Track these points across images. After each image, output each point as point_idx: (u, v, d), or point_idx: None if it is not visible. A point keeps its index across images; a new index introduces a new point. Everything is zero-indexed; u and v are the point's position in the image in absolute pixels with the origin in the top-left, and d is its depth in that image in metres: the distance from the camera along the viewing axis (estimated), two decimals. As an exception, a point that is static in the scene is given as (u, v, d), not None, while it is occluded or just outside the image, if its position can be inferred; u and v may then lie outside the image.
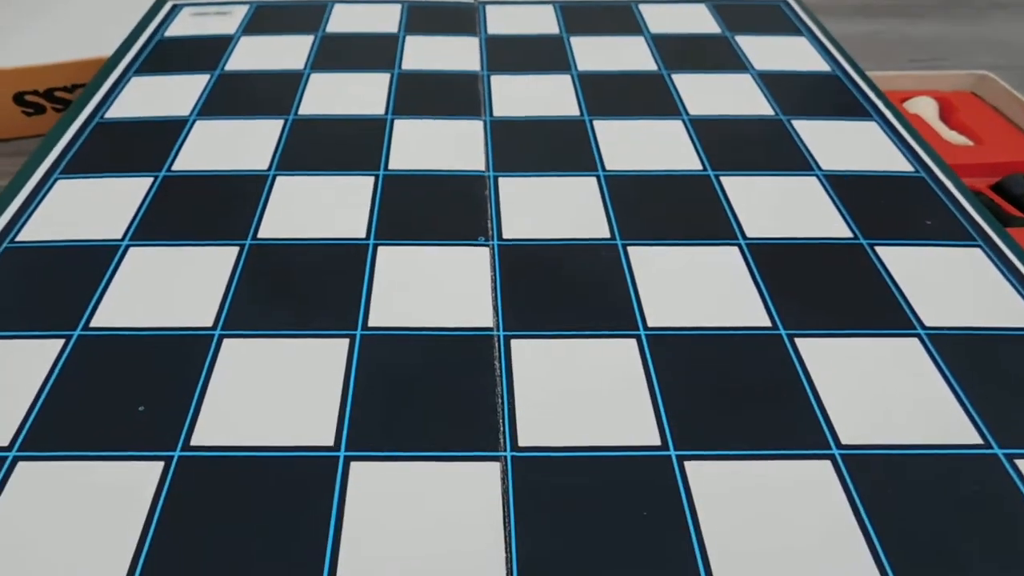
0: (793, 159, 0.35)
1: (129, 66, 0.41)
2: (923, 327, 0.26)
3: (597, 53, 0.43)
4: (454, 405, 0.23)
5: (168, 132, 0.36)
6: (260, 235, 0.30)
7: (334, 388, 0.24)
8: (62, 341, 0.25)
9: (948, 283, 0.28)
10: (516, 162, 0.34)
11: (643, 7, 0.49)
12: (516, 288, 0.27)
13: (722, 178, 0.33)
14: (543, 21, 0.47)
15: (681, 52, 0.43)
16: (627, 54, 0.43)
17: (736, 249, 0.29)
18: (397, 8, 0.48)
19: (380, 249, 0.29)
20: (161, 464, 0.21)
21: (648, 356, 0.25)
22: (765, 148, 0.35)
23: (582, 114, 0.38)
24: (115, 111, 0.37)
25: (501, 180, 0.33)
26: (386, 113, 0.37)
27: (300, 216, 0.31)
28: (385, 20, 0.46)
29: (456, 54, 0.43)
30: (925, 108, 0.44)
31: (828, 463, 0.22)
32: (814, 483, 0.21)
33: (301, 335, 0.25)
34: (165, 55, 0.42)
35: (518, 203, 0.32)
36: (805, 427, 0.23)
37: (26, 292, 0.27)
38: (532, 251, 0.29)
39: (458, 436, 0.22)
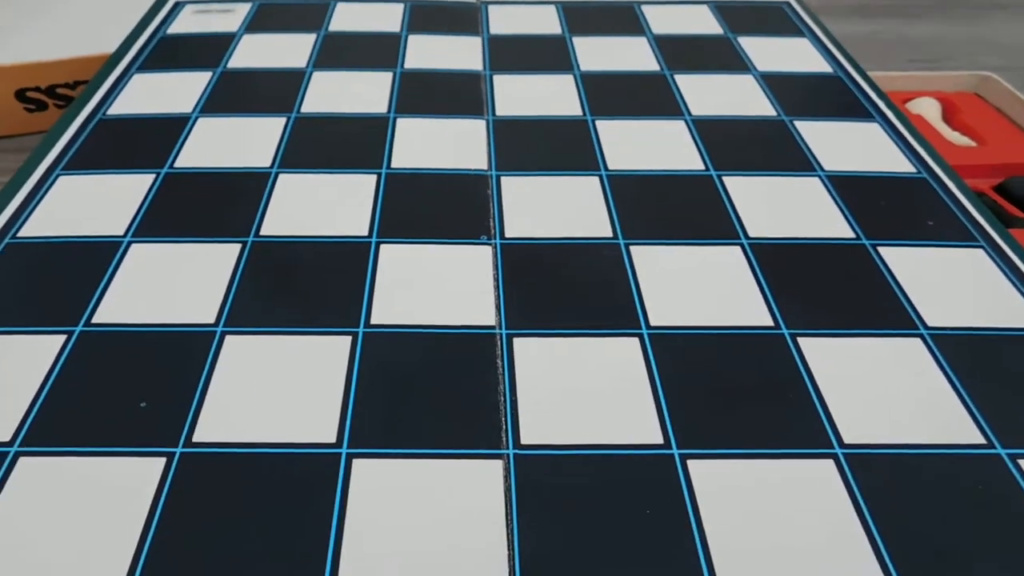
0: (795, 160, 0.35)
1: (132, 63, 0.41)
2: (925, 327, 0.26)
3: (599, 53, 0.43)
4: (456, 403, 0.23)
5: (170, 129, 0.35)
6: (262, 232, 0.29)
7: (336, 385, 0.24)
8: (64, 337, 0.25)
9: (950, 284, 0.28)
10: (518, 161, 0.34)
11: (645, 8, 0.49)
12: (518, 287, 0.27)
13: (724, 178, 0.33)
14: (545, 21, 0.47)
15: (683, 52, 0.43)
16: (629, 54, 0.43)
17: (738, 249, 0.29)
18: (399, 7, 0.48)
19: (382, 247, 0.29)
20: (163, 460, 0.21)
21: (650, 355, 0.25)
22: (767, 149, 0.35)
23: (584, 114, 0.38)
24: (117, 108, 0.37)
25: (503, 179, 0.33)
26: (388, 112, 0.37)
27: (302, 213, 0.31)
28: (387, 19, 0.46)
29: (458, 53, 0.43)
30: (928, 109, 0.44)
31: (831, 462, 0.22)
32: (817, 482, 0.21)
33: (303, 332, 0.25)
34: (168, 52, 0.42)
35: (520, 202, 0.32)
36: (807, 426, 0.23)
37: (28, 288, 0.27)
38: (534, 250, 0.29)
39: (460, 434, 0.22)
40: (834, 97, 0.40)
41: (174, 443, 0.22)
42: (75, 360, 0.24)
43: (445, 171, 0.33)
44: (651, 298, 0.27)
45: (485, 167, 0.34)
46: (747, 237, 0.30)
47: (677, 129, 0.37)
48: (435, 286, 0.27)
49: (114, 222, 0.30)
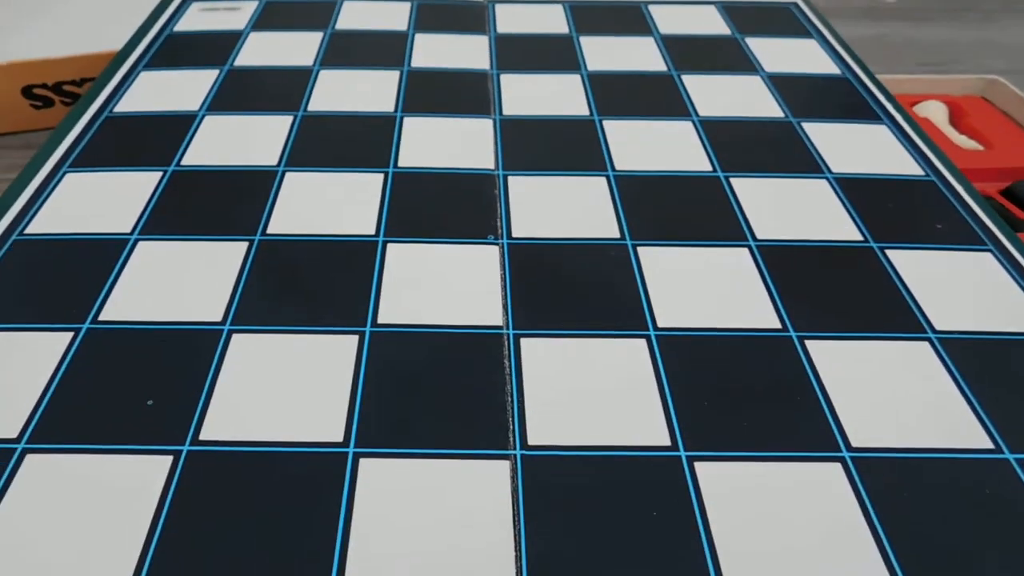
0: (803, 161, 0.35)
1: (138, 60, 0.41)
2: (933, 331, 0.26)
3: (606, 53, 0.43)
4: (463, 403, 0.23)
5: (177, 127, 0.35)
6: (269, 231, 0.29)
7: (343, 384, 0.24)
8: (71, 334, 0.25)
9: (958, 287, 0.28)
10: (525, 161, 0.34)
11: (652, 8, 0.49)
12: (526, 287, 0.27)
13: (732, 179, 0.33)
14: (552, 21, 0.47)
15: (690, 53, 0.43)
16: (637, 54, 0.43)
17: (746, 250, 0.29)
18: (407, 6, 0.48)
19: (389, 246, 0.29)
20: (170, 458, 0.21)
21: (658, 356, 0.25)
22: (775, 150, 0.35)
23: (592, 114, 0.38)
24: (124, 105, 0.37)
25: (510, 179, 0.33)
26: (396, 110, 0.37)
27: (309, 212, 0.31)
28: (395, 17, 0.46)
29: (466, 53, 0.43)
30: (935, 112, 0.44)
31: (838, 465, 0.22)
32: (824, 485, 0.21)
33: (310, 331, 0.25)
34: (175, 50, 0.42)
35: (527, 202, 0.32)
36: (815, 429, 0.23)
37: (36, 285, 0.27)
38: (541, 250, 0.29)
39: (468, 434, 0.22)
40: (842, 99, 0.40)
41: (181, 441, 0.22)
42: (82, 357, 0.24)
43: (452, 170, 0.33)
44: (658, 299, 0.27)
45: (492, 166, 0.34)
46: (755, 239, 0.30)
47: (684, 130, 0.37)
48: (442, 286, 0.27)
49: (121, 219, 0.30)
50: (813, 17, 0.48)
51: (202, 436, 0.22)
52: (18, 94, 0.44)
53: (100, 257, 0.28)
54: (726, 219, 0.31)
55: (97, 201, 0.31)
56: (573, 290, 0.27)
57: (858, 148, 0.36)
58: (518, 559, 0.19)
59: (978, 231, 0.31)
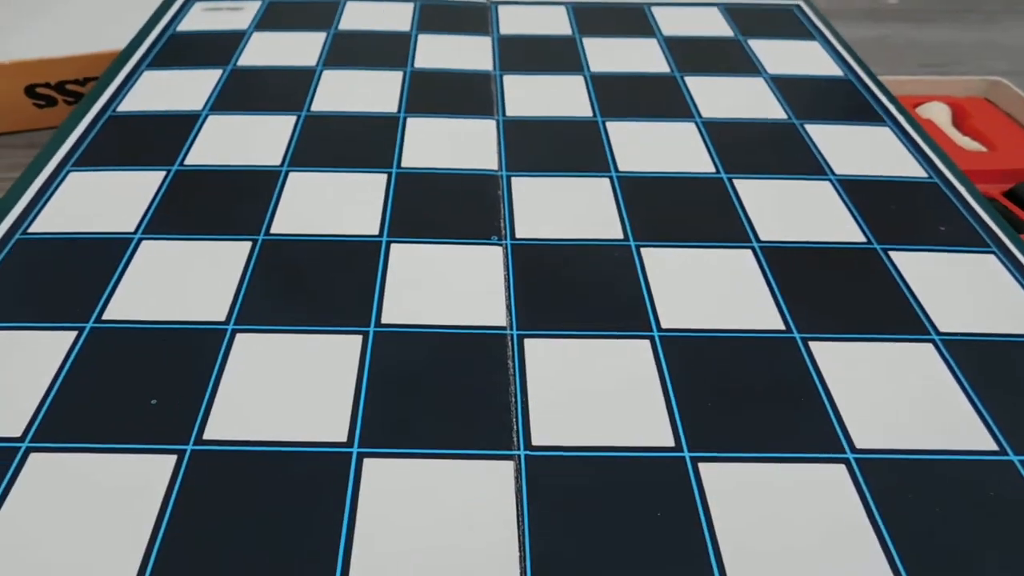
0: (806, 163, 0.35)
1: (141, 60, 0.41)
2: (937, 332, 0.26)
3: (609, 54, 0.43)
4: (467, 403, 0.23)
5: (180, 126, 0.36)
6: (273, 230, 0.29)
7: (347, 384, 0.24)
8: (75, 333, 0.25)
9: (962, 289, 0.28)
10: (529, 162, 0.34)
11: (655, 9, 0.49)
12: (529, 287, 0.27)
13: (735, 181, 0.33)
14: (555, 22, 0.47)
15: (693, 55, 0.43)
16: (639, 56, 0.43)
17: (749, 252, 0.29)
18: (409, 6, 0.48)
19: (393, 247, 0.29)
20: (174, 458, 0.21)
21: (661, 357, 0.25)
22: (778, 152, 0.35)
23: (594, 115, 0.38)
24: (127, 104, 0.37)
25: (514, 180, 0.33)
26: (399, 111, 0.37)
27: (313, 212, 0.31)
28: (397, 18, 0.46)
29: (469, 53, 0.43)
30: (938, 114, 0.44)
31: (842, 467, 0.22)
32: (828, 486, 0.21)
33: (314, 331, 0.25)
34: (178, 49, 0.42)
35: (530, 203, 0.32)
36: (819, 430, 0.23)
37: (39, 284, 0.27)
38: (545, 251, 0.29)
39: (471, 434, 0.22)
40: (845, 100, 0.40)
41: (185, 441, 0.22)
42: (86, 356, 0.24)
43: (455, 171, 0.33)
44: (661, 300, 0.27)
45: (495, 167, 0.34)
46: (758, 240, 0.30)
47: (687, 131, 0.37)
48: (446, 286, 0.27)
49: (124, 219, 0.30)
50: (815, 19, 0.48)
51: (206, 436, 0.22)
52: (21, 93, 0.44)
53: (103, 256, 0.28)
54: (729, 220, 0.31)
55: (100, 200, 0.31)
56: (576, 291, 0.27)
57: (861, 150, 0.36)
58: (522, 559, 0.19)
59: (981, 233, 0.31)
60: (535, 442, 0.22)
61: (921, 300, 0.28)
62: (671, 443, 0.22)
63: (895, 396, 0.24)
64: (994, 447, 0.23)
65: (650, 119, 0.37)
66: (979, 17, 0.62)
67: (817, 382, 0.24)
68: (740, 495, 0.21)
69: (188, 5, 0.47)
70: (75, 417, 0.22)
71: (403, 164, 0.33)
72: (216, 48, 0.42)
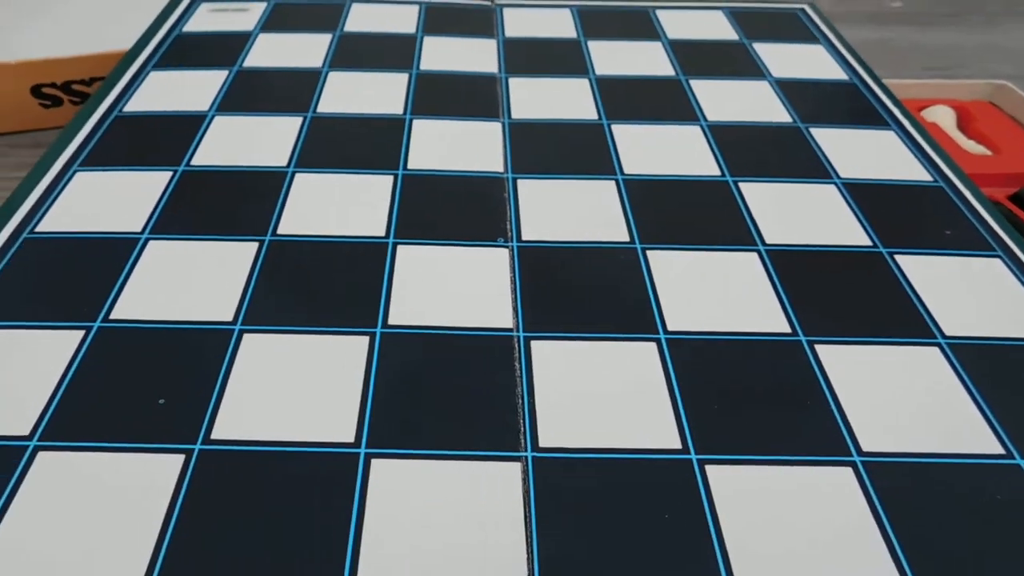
0: (811, 166, 0.35)
1: (148, 60, 0.41)
2: (943, 336, 0.26)
3: (614, 57, 0.43)
4: (474, 405, 0.23)
5: (187, 127, 0.36)
6: (279, 231, 0.30)
7: (354, 385, 0.24)
8: (82, 332, 0.25)
9: (968, 292, 0.28)
10: (535, 164, 0.34)
11: (660, 12, 0.49)
12: (536, 289, 0.27)
13: (740, 184, 0.33)
14: (560, 25, 0.47)
15: (698, 58, 0.43)
16: (645, 59, 0.43)
17: (755, 255, 0.29)
18: (415, 9, 0.48)
19: (399, 248, 0.29)
20: (182, 457, 0.21)
21: (668, 360, 0.25)
22: (783, 155, 0.35)
23: (600, 118, 0.38)
24: (134, 105, 0.37)
25: (520, 182, 0.33)
26: (404, 113, 0.37)
27: (319, 213, 0.31)
28: (403, 20, 0.46)
29: (474, 56, 0.43)
30: (943, 117, 0.44)
31: (849, 469, 0.22)
32: (835, 489, 0.21)
33: (321, 332, 0.25)
34: (184, 50, 0.42)
35: (537, 205, 0.32)
36: (825, 433, 0.23)
37: (46, 283, 0.27)
38: (551, 253, 0.29)
39: (479, 436, 0.22)
40: (849, 104, 0.40)
41: (193, 440, 0.22)
42: (93, 356, 0.24)
43: (461, 173, 0.33)
44: (668, 303, 0.27)
45: (501, 170, 0.34)
46: (763, 243, 0.30)
47: (693, 134, 0.37)
48: (452, 288, 0.27)
49: (131, 219, 0.30)
50: (820, 23, 0.48)
51: (214, 435, 0.22)
52: (27, 93, 0.44)
53: (111, 256, 0.28)
54: (735, 223, 0.31)
55: (107, 200, 0.31)
56: (583, 293, 0.27)
57: (866, 153, 0.36)
58: (530, 561, 0.19)
59: (986, 237, 0.31)
60: (542, 444, 0.22)
61: (927, 303, 0.28)
62: (678, 445, 0.22)
63: (901, 399, 0.24)
64: (1000, 451, 0.23)
65: (655, 122, 0.38)
66: (980, 19, 0.62)
67: (823, 385, 0.24)
68: (747, 497, 0.21)
69: (194, 6, 0.47)
70: (83, 416, 0.22)
71: (409, 166, 0.34)
72: (222, 49, 0.42)
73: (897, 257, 0.30)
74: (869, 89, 0.41)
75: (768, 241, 0.30)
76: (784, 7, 0.50)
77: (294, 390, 0.23)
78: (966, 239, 0.31)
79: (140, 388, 0.23)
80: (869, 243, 0.30)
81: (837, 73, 0.42)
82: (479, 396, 0.24)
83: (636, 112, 0.38)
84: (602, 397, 0.24)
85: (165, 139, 0.35)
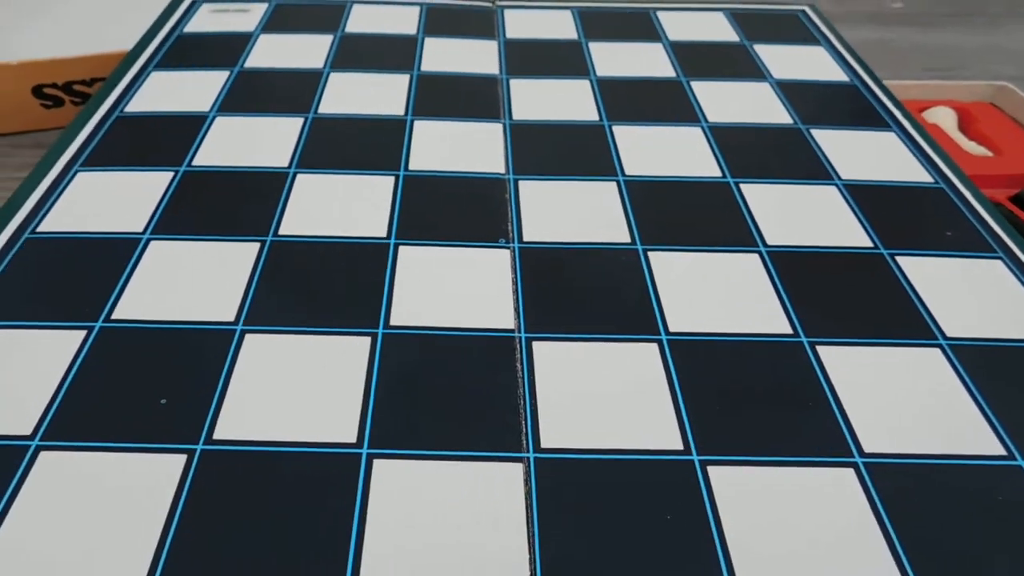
0: (812, 168, 0.35)
1: (149, 61, 0.41)
2: (944, 337, 0.26)
3: (615, 59, 0.43)
4: (476, 406, 0.23)
5: (188, 127, 0.36)
6: (281, 232, 0.30)
7: (356, 386, 0.24)
8: (84, 332, 0.25)
9: (969, 294, 0.28)
10: (536, 165, 0.34)
11: (661, 14, 0.49)
12: (537, 290, 0.27)
13: (741, 185, 0.33)
14: (561, 26, 0.47)
15: (699, 59, 0.43)
16: (645, 60, 0.43)
17: (756, 256, 0.29)
18: (416, 10, 0.48)
19: (401, 249, 0.29)
20: (184, 457, 0.21)
21: (670, 361, 0.25)
22: (784, 156, 0.35)
23: (601, 119, 0.38)
24: (135, 105, 0.37)
25: (521, 183, 0.33)
26: (406, 114, 0.37)
27: (321, 214, 0.31)
28: (404, 21, 0.46)
29: (475, 57, 0.43)
30: (944, 118, 0.44)
31: (851, 471, 0.22)
32: (837, 490, 0.21)
33: (323, 332, 0.25)
34: (185, 51, 0.42)
35: (538, 206, 0.32)
36: (827, 434, 0.23)
37: (48, 283, 0.27)
38: (552, 254, 0.29)
39: (481, 437, 0.22)
40: (850, 105, 0.40)
41: (195, 440, 0.22)
42: (95, 356, 0.24)
43: (462, 174, 0.33)
44: (669, 304, 0.27)
45: (502, 171, 0.34)
46: (765, 245, 0.30)
47: (694, 135, 0.37)
48: (454, 289, 0.27)
49: (133, 219, 0.30)
50: (821, 24, 0.48)
51: (216, 436, 0.22)
52: (28, 94, 0.44)
53: (112, 256, 0.28)
54: (736, 225, 0.31)
55: (109, 200, 0.31)
56: (584, 294, 0.27)
57: (867, 155, 0.36)
58: (532, 562, 0.19)
59: (987, 238, 0.31)
60: (544, 444, 0.22)
61: (928, 305, 0.28)
62: (680, 446, 0.22)
63: (903, 400, 0.24)
64: (1002, 451, 0.23)
65: (656, 123, 0.38)
66: (983, 20, 0.62)
67: (825, 386, 0.24)
68: (748, 498, 0.21)
69: (195, 6, 0.47)
70: (85, 416, 0.22)
71: (410, 167, 0.34)
72: (223, 49, 0.42)
73: (898, 258, 0.30)
74: (870, 90, 0.41)
75: (769, 242, 0.30)
76: (785, 8, 0.50)
77: (296, 390, 0.23)
78: (967, 240, 0.31)
79: (142, 388, 0.23)
80: (870, 244, 0.30)
81: (838, 74, 0.42)
82: (480, 397, 0.24)
83: (637, 113, 0.38)
84: (603, 398, 0.24)
85: (166, 139, 0.35)
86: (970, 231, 0.31)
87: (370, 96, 0.39)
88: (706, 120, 0.38)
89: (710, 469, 0.22)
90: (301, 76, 0.40)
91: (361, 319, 0.26)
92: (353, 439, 0.22)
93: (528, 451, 0.22)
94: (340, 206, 0.31)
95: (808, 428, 0.23)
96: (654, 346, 0.25)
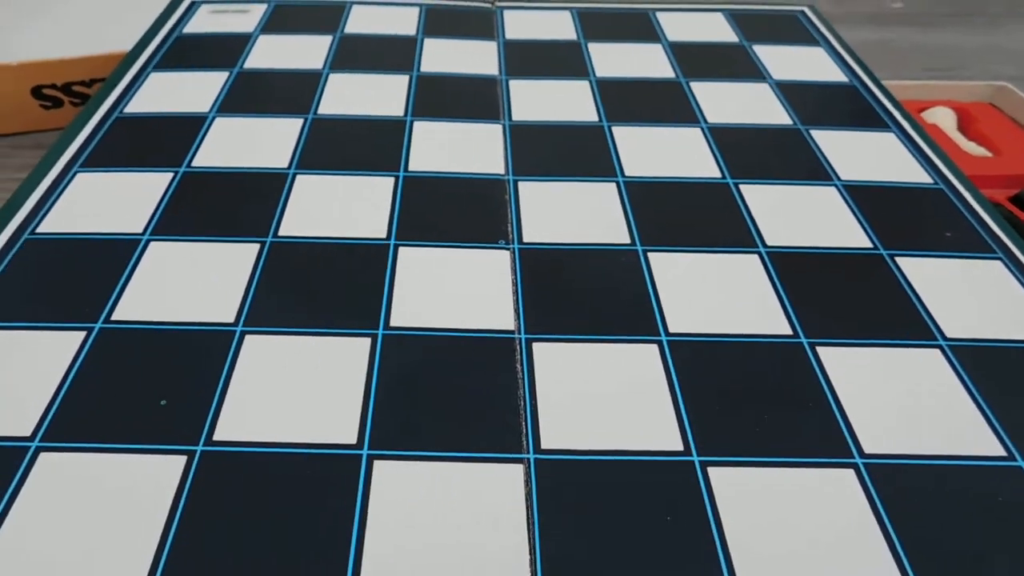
0: (811, 168, 0.35)
1: (148, 62, 0.41)
2: (944, 338, 0.26)
3: (615, 59, 0.43)
4: (476, 406, 0.23)
5: (188, 128, 0.36)
6: (281, 233, 0.30)
7: (356, 387, 0.24)
8: (84, 333, 0.25)
9: (968, 294, 0.28)
10: (536, 166, 0.34)
11: (660, 15, 0.49)
12: (537, 291, 0.27)
13: (741, 186, 0.33)
14: (560, 27, 0.47)
15: (698, 60, 0.43)
16: (645, 61, 0.43)
17: (756, 257, 0.29)
18: (415, 11, 0.48)
19: (401, 250, 0.29)
20: (184, 458, 0.21)
21: (669, 361, 0.25)
22: (783, 157, 0.35)
23: (600, 120, 0.38)
24: (134, 106, 0.37)
25: (520, 184, 0.33)
26: (405, 115, 0.37)
27: (320, 215, 0.31)
28: (403, 22, 0.46)
29: (474, 58, 0.43)
30: (943, 118, 0.44)
31: (851, 471, 0.22)
32: (837, 491, 0.21)
33: (323, 333, 0.25)
34: (184, 51, 0.42)
35: (538, 207, 0.32)
36: (827, 435, 0.23)
37: (48, 284, 0.27)
38: (552, 255, 0.29)
39: (481, 437, 0.22)
40: (849, 106, 0.40)
41: (195, 441, 0.22)
42: (95, 357, 0.24)
43: (462, 175, 0.33)
44: (669, 305, 0.27)
45: (502, 171, 0.34)
46: (764, 245, 0.30)
47: (693, 136, 0.37)
48: (454, 289, 0.27)
49: (133, 220, 0.30)
50: (820, 25, 0.48)
51: (216, 437, 0.22)
52: (27, 94, 0.44)
53: (112, 257, 0.28)
54: (735, 225, 0.31)
55: (108, 201, 0.31)
56: (584, 295, 0.27)
57: (866, 155, 0.36)
58: (532, 562, 0.19)
59: (987, 239, 0.31)
60: (544, 445, 0.22)
61: (928, 305, 0.28)
62: (680, 447, 0.22)
63: (902, 401, 0.24)
64: (1002, 452, 0.23)
65: (655, 124, 0.38)
66: (983, 20, 0.62)
67: (824, 387, 0.24)
68: (749, 499, 0.21)
69: (195, 7, 0.47)
70: (85, 417, 0.22)
71: (410, 168, 0.34)
72: (223, 50, 0.42)
73: (898, 259, 0.30)
74: (869, 91, 0.41)
75: (769, 243, 0.30)
76: (784, 9, 0.50)
77: (296, 392, 0.23)
78: (966, 241, 0.31)
79: (142, 389, 0.23)
80: (870, 245, 0.30)
81: (837, 75, 0.42)
82: (481, 398, 0.24)
83: (636, 114, 0.38)
84: (603, 399, 0.24)
85: (166, 140, 0.35)
86: (969, 232, 0.31)
87: (370, 97, 0.39)
88: (705, 121, 0.38)
89: (710, 470, 0.22)
90: (301, 77, 0.40)
91: (361, 320, 0.26)
92: (353, 440, 0.22)
93: (528, 452, 0.22)
94: (340, 207, 0.31)
95: (808, 429, 0.23)
96: (654, 347, 0.25)
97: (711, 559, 0.20)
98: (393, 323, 0.26)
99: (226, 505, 0.20)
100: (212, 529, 0.20)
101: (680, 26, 0.47)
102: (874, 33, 0.60)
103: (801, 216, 0.32)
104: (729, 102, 0.39)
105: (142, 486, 0.21)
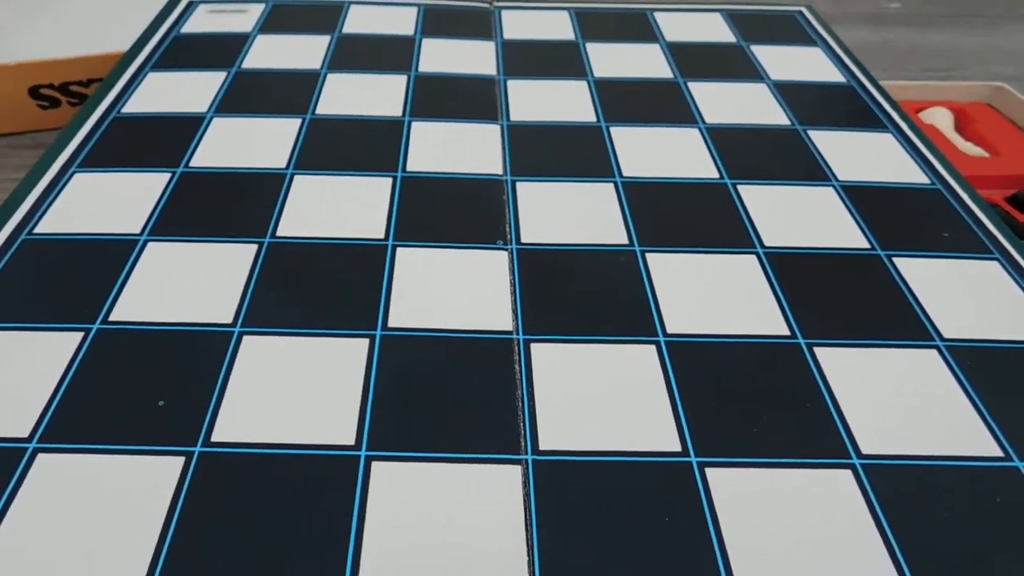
0: (809, 169, 0.35)
1: (146, 61, 0.41)
2: (941, 339, 0.26)
3: (613, 59, 0.43)
4: (475, 407, 0.23)
5: (185, 128, 0.36)
6: (279, 233, 0.30)
7: (354, 387, 0.24)
8: (81, 334, 0.25)
9: (966, 295, 0.28)
10: (534, 166, 0.34)
11: (658, 15, 0.49)
12: (535, 292, 0.27)
13: (739, 186, 0.33)
14: (559, 27, 0.47)
15: (696, 60, 0.43)
16: (643, 61, 0.43)
17: (754, 257, 0.29)
18: (413, 10, 0.48)
19: (399, 250, 0.29)
20: (182, 459, 0.21)
21: (667, 362, 0.25)
22: (781, 157, 0.36)
23: (598, 120, 0.38)
24: (132, 106, 0.37)
25: (519, 184, 0.33)
26: (403, 115, 0.37)
27: (318, 215, 0.31)
28: (401, 22, 0.46)
29: (472, 58, 0.43)
30: (940, 119, 0.44)
31: (848, 472, 0.22)
32: (835, 492, 0.21)
33: (321, 334, 0.25)
34: (182, 51, 0.42)
35: (536, 207, 0.32)
36: (824, 436, 0.23)
37: (45, 284, 0.27)
38: (550, 255, 0.29)
39: (479, 439, 0.22)
40: (847, 106, 0.40)
41: (193, 443, 0.22)
42: (93, 357, 0.24)
43: (460, 175, 0.33)
44: (667, 306, 0.27)
45: (500, 172, 0.34)
46: (762, 246, 0.30)
47: (691, 136, 0.37)
48: (452, 290, 0.27)
49: (130, 220, 0.30)
50: (818, 25, 0.48)
51: (214, 438, 0.22)
52: (25, 94, 0.44)
53: (109, 257, 0.28)
54: (733, 226, 0.31)
55: (106, 201, 0.31)
56: (582, 295, 0.27)
57: (863, 156, 0.36)
58: (530, 564, 0.19)
59: (984, 239, 0.31)
60: (542, 446, 0.22)
61: (925, 306, 0.28)
62: (678, 448, 0.22)
63: (900, 402, 0.24)
64: (999, 452, 0.23)
65: (653, 124, 0.38)
66: (982, 21, 0.62)
67: (822, 388, 0.24)
68: (747, 500, 0.21)
69: (192, 7, 0.47)
70: (82, 418, 0.22)
71: (408, 168, 0.34)
72: (220, 50, 0.42)
73: (895, 259, 0.30)
74: (867, 91, 0.41)
75: (767, 243, 0.30)
76: (782, 9, 0.50)
77: (294, 392, 0.23)
78: (964, 241, 0.31)
79: (139, 390, 0.23)
80: (867, 245, 0.30)
81: (835, 75, 0.42)
82: (479, 399, 0.24)
83: (634, 114, 0.38)
84: (602, 400, 0.24)
85: (163, 140, 0.35)
86: (967, 232, 0.31)
87: (367, 97, 0.39)
88: (703, 121, 0.38)
89: (708, 470, 0.22)
90: (298, 77, 0.40)
91: (359, 320, 0.26)
92: (352, 441, 0.22)
93: (526, 453, 0.22)
94: (338, 207, 0.31)
95: (805, 430, 0.23)
96: (652, 347, 0.25)
97: (709, 560, 0.20)
98: (391, 324, 0.26)
99: (224, 506, 0.20)
100: (210, 530, 0.20)
101: (678, 26, 0.47)
102: (872, 33, 0.60)
103: (799, 216, 0.32)
104: (727, 102, 0.39)
105: (140, 487, 0.21)
